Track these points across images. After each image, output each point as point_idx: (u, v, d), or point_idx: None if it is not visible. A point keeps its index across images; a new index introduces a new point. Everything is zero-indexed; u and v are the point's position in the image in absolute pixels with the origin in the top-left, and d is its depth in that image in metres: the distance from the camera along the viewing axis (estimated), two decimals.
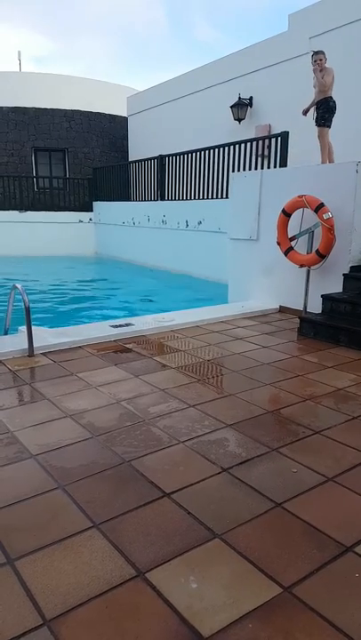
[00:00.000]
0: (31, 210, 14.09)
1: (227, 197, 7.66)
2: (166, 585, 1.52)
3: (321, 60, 5.67)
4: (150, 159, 11.44)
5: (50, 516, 1.86)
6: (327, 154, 5.91)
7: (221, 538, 1.73)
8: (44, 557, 1.64)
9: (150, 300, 8.74)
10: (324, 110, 5.82)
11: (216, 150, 9.00)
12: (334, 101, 5.81)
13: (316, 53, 5.73)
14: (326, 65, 5.72)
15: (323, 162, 6.00)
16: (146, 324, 4.65)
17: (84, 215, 14.44)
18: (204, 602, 1.46)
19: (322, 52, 5.74)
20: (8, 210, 13.93)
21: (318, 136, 5.95)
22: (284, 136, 7.35)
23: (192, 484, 2.05)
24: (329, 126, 5.88)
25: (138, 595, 1.49)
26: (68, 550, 1.67)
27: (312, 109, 5.96)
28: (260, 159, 7.96)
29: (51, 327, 4.73)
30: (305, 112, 6.11)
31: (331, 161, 5.89)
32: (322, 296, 4.67)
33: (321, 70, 5.72)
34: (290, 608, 1.44)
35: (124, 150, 16.76)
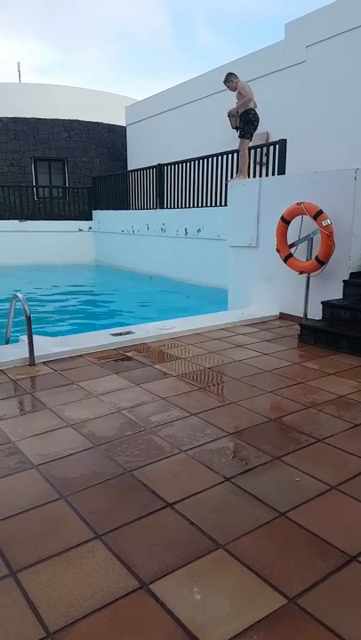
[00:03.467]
0: (31, 219, 14.16)
1: (225, 205, 7.69)
2: (170, 596, 1.51)
3: (229, 85, 6.15)
4: (149, 168, 11.52)
5: (52, 526, 1.85)
6: (246, 164, 6.23)
7: (225, 548, 1.72)
8: (46, 569, 1.63)
9: (152, 303, 8.75)
10: (245, 122, 6.08)
11: (214, 159, 9.07)
12: (254, 113, 6.11)
13: (224, 82, 6.22)
14: (239, 82, 6.09)
15: (243, 172, 6.25)
16: (146, 331, 4.65)
17: (84, 224, 14.50)
18: (208, 613, 1.45)
19: (227, 79, 6.15)
20: (8, 219, 14.00)
21: (239, 147, 6.27)
22: (282, 144, 7.40)
23: (195, 494, 2.04)
24: (249, 138, 6.16)
25: (141, 607, 1.48)
26: (70, 562, 1.66)
27: (236, 120, 6.32)
28: (258, 167, 8.01)
29: (51, 336, 4.73)
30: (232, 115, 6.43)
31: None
32: (322, 302, 4.68)
33: (235, 90, 6.09)
34: (295, 619, 1.43)
35: (123, 159, 16.87)
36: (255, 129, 6.24)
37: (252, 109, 6.06)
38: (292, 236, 5.04)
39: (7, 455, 2.40)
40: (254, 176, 7.88)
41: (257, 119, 6.12)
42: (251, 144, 7.03)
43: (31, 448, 2.47)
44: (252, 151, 8.12)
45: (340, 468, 2.27)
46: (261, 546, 1.74)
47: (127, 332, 4.59)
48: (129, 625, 1.41)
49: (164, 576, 1.59)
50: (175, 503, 1.98)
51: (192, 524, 1.85)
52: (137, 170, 12.39)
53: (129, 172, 13.28)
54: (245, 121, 6.09)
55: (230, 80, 6.10)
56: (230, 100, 11.05)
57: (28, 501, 2.01)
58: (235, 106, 6.34)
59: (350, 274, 4.76)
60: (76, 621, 1.42)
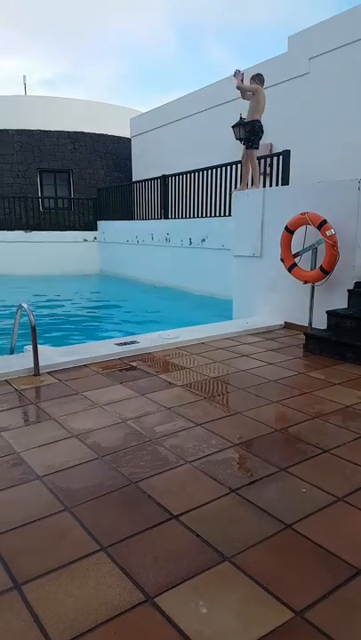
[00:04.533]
0: (37, 230, 14.27)
1: (230, 215, 7.73)
2: (175, 610, 1.49)
3: (251, 83, 6.05)
4: (153, 179, 11.60)
5: (57, 538, 1.84)
6: (258, 173, 6.24)
7: (231, 561, 1.70)
8: (51, 582, 1.62)
9: (157, 312, 8.77)
10: (250, 132, 6.09)
11: (218, 170, 9.13)
12: (261, 125, 6.10)
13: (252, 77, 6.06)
14: (259, 88, 6.05)
15: (255, 181, 6.28)
16: (151, 341, 4.65)
17: (89, 234, 14.60)
18: (214, 627, 1.43)
19: (253, 76, 6.03)
20: (14, 230, 14.12)
21: (248, 158, 6.29)
22: (286, 155, 7.44)
23: (200, 506, 2.03)
24: (256, 148, 6.17)
25: (147, 620, 1.46)
26: (75, 574, 1.65)
27: (240, 130, 6.35)
28: (262, 177, 8.05)
29: (56, 346, 4.74)
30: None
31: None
32: (327, 312, 4.67)
33: (253, 90, 6.03)
34: (302, 633, 1.41)
35: (128, 171, 17.00)
36: (260, 139, 6.29)
37: (259, 120, 6.10)
38: (296, 246, 5.05)
39: (12, 466, 2.39)
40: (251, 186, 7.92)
41: (262, 130, 6.17)
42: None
43: (36, 459, 2.46)
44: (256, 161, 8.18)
45: (346, 480, 2.25)
46: (268, 558, 1.72)
47: (132, 342, 4.59)
48: (134, 639, 1.39)
49: (170, 589, 1.57)
50: (180, 515, 1.96)
51: (197, 536, 1.84)
52: (142, 181, 12.49)
53: (134, 182, 13.40)
54: (252, 131, 6.13)
55: (256, 79, 6.03)
56: (232, 112, 11.17)
57: (33, 513, 2.00)
58: (242, 112, 6.35)
59: (355, 283, 4.75)
60: (80, 635, 1.41)
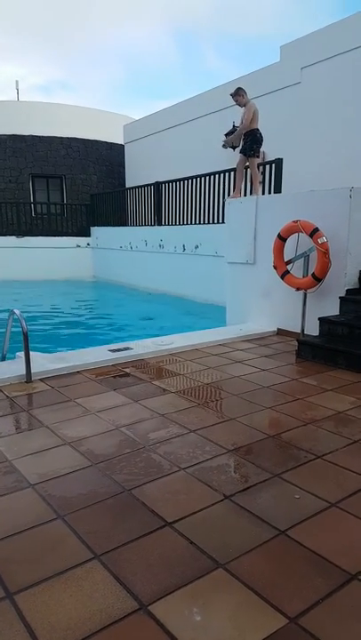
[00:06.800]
0: (29, 235, 14.22)
1: (223, 222, 7.76)
2: (170, 618, 1.49)
3: (237, 100, 6.20)
4: (147, 185, 11.65)
5: (49, 547, 1.83)
6: (258, 180, 6.36)
7: (225, 567, 1.70)
8: (44, 591, 1.60)
9: (150, 319, 8.77)
10: (252, 141, 6.21)
11: (211, 177, 9.19)
12: (260, 133, 6.23)
13: (233, 95, 6.26)
14: (248, 100, 6.19)
15: (256, 188, 6.38)
16: (145, 347, 4.64)
17: (82, 240, 14.59)
18: (208, 635, 1.43)
19: (236, 92, 6.20)
20: (6, 235, 14.06)
21: (249, 166, 6.40)
22: (278, 163, 7.51)
23: (194, 513, 2.03)
24: (258, 156, 6.30)
25: (141, 628, 1.45)
26: (68, 583, 1.64)
27: (240, 140, 6.52)
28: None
29: (49, 352, 4.71)
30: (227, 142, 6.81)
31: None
32: (319, 319, 4.70)
33: (243, 106, 6.18)
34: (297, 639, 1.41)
35: (121, 177, 17.05)
36: (260, 147, 6.39)
37: (258, 128, 6.21)
38: (288, 253, 5.09)
39: (3, 474, 2.37)
40: (251, 194, 7.97)
41: (262, 138, 6.28)
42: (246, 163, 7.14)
43: (28, 467, 2.44)
44: (249, 170, 8.24)
45: (339, 485, 2.26)
46: (262, 565, 1.72)
47: (125, 348, 4.58)
48: None
49: (164, 597, 1.57)
50: (174, 522, 1.96)
51: (191, 543, 1.83)
52: (135, 187, 12.53)
53: (127, 189, 13.43)
54: (253, 139, 6.23)
55: (241, 95, 6.18)
56: (226, 120, 11.25)
57: (25, 521, 1.98)
58: (235, 120, 6.46)
59: (346, 290, 4.79)
60: None
